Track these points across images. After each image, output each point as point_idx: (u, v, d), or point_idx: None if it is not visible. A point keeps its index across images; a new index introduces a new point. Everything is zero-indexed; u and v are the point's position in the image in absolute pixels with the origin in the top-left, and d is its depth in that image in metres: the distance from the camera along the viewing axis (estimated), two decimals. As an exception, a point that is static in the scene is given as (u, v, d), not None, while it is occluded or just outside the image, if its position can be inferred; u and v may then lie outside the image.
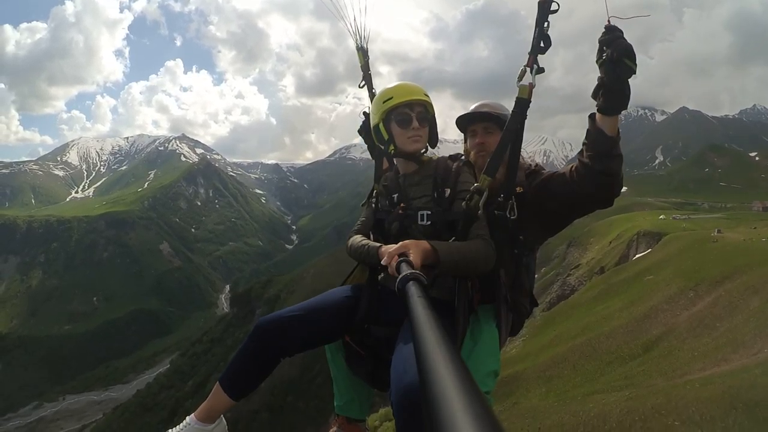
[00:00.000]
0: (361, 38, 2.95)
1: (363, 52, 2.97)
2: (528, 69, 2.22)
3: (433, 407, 0.58)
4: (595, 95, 2.09)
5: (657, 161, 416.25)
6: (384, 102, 2.38)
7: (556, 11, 2.15)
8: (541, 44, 2.19)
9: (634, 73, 1.98)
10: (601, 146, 2.14)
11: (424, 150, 2.42)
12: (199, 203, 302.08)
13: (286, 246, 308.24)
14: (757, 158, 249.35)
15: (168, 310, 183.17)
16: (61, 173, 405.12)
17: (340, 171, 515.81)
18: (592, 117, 2.15)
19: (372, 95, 2.91)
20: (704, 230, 44.45)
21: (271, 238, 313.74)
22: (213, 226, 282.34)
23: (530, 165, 2.62)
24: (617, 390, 10.55)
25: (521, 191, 2.42)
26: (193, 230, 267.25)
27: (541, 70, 2.21)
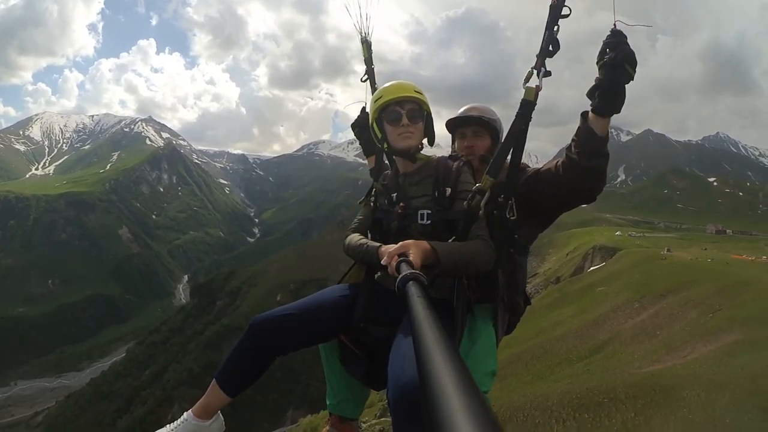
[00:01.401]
0: (365, 31, 2.96)
1: (367, 45, 2.98)
2: (535, 71, 2.23)
3: (432, 407, 0.58)
4: (590, 95, 2.10)
5: (619, 179, 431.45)
6: (376, 101, 2.42)
7: (567, 16, 2.16)
8: (550, 48, 2.20)
9: (632, 80, 2.01)
10: (591, 144, 2.16)
11: (419, 147, 2.44)
12: (161, 189, 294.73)
13: (248, 239, 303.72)
14: (715, 183, 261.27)
15: (125, 297, 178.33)
16: (22, 148, 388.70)
17: (307, 166, 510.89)
18: (584, 115, 2.16)
19: (374, 89, 2.88)
20: (656, 248, 47.12)
21: (233, 230, 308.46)
22: (175, 213, 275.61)
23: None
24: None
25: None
26: (154, 216, 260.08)
27: (548, 74, 2.22)
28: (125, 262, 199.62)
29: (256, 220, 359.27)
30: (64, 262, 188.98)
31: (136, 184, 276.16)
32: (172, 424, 2.19)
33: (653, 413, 6.07)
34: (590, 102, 2.11)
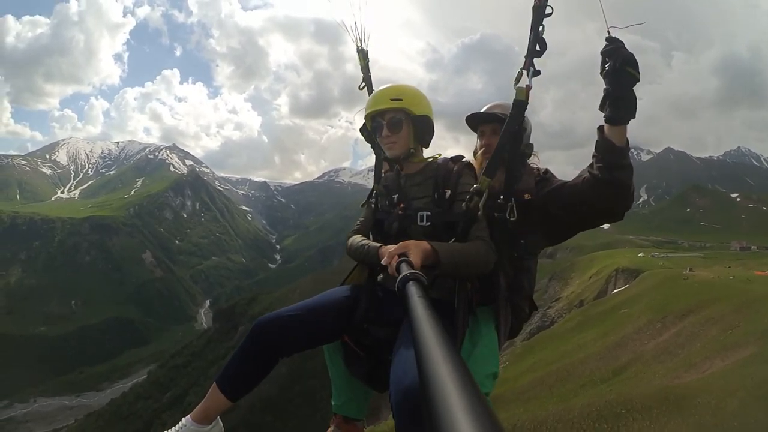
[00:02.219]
0: (360, 40, 2.96)
1: (363, 54, 2.98)
2: (525, 72, 2.26)
3: (433, 407, 0.58)
4: (601, 107, 2.10)
5: (641, 200, 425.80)
6: (366, 112, 2.46)
7: (550, 15, 2.20)
8: (537, 48, 2.23)
9: (638, 81, 2.01)
10: (610, 156, 2.14)
11: (412, 151, 2.44)
12: (185, 215, 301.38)
13: (269, 265, 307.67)
14: (738, 199, 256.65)
15: (146, 320, 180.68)
16: (48, 171, 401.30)
17: (328, 193, 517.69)
18: (600, 129, 2.16)
19: None
20: (679, 268, 46.71)
21: (255, 256, 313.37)
22: (197, 239, 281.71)
23: (540, 172, 2.64)
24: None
25: (529, 198, 2.43)
26: (177, 242, 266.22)
27: (537, 73, 2.25)
28: (147, 286, 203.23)
29: (278, 247, 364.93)
30: (87, 284, 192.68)
31: (159, 210, 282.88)
32: (170, 429, 2.14)
33: (667, 421, 6.46)
34: (603, 115, 2.10)
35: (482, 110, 2.74)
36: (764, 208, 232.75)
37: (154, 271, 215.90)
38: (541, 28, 2.20)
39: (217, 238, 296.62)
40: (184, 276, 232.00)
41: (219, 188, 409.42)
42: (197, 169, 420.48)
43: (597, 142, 2.18)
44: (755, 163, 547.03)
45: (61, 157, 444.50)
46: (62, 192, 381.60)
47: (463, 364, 0.69)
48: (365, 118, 2.45)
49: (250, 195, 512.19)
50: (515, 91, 2.29)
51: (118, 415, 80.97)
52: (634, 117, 2.07)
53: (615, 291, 45.83)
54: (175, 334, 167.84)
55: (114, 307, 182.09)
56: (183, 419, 2.16)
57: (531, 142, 2.66)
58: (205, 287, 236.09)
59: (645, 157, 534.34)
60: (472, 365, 2.09)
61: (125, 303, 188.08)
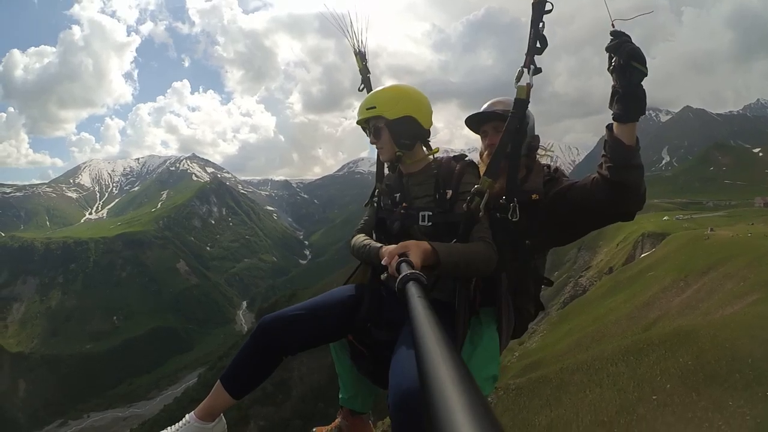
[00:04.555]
0: (358, 42, 2.97)
1: (361, 56, 2.98)
2: (525, 70, 2.23)
3: (433, 407, 0.58)
4: (610, 104, 2.05)
5: (664, 161, 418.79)
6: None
7: (550, 11, 2.16)
8: (538, 44, 2.20)
9: (646, 76, 1.95)
10: (619, 157, 2.07)
11: (397, 155, 2.39)
12: (212, 221, 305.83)
13: (300, 261, 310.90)
14: (760, 154, 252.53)
15: (187, 327, 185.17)
16: (74, 195, 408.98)
17: (349, 185, 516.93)
18: (609, 127, 2.10)
19: None
20: (702, 229, 47.94)
21: (285, 254, 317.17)
22: (228, 243, 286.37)
23: (549, 171, 2.60)
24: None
25: (537, 198, 2.37)
26: (208, 248, 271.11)
27: (538, 71, 2.21)
28: (184, 294, 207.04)
29: (306, 243, 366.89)
30: (126, 299, 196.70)
31: (187, 219, 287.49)
32: (173, 426, 2.21)
33: (676, 350, 8.67)
34: (611, 113, 2.07)
35: (482, 108, 2.70)
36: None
37: (190, 279, 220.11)
38: (541, 24, 2.18)
39: (247, 241, 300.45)
40: (219, 280, 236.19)
41: (242, 191, 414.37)
42: (219, 176, 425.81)
43: (606, 141, 2.14)
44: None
45: (85, 179, 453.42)
46: (90, 213, 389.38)
47: (464, 365, 0.69)
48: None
49: (273, 195, 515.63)
50: (516, 89, 2.28)
51: (173, 419, 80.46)
52: (643, 114, 2.02)
53: (642, 255, 47.34)
54: (217, 337, 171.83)
55: (154, 317, 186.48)
56: (186, 416, 2.21)
57: (536, 133, 2.64)
58: (241, 289, 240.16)
59: (664, 118, 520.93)
60: (471, 367, 2.09)
61: (165, 313, 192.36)
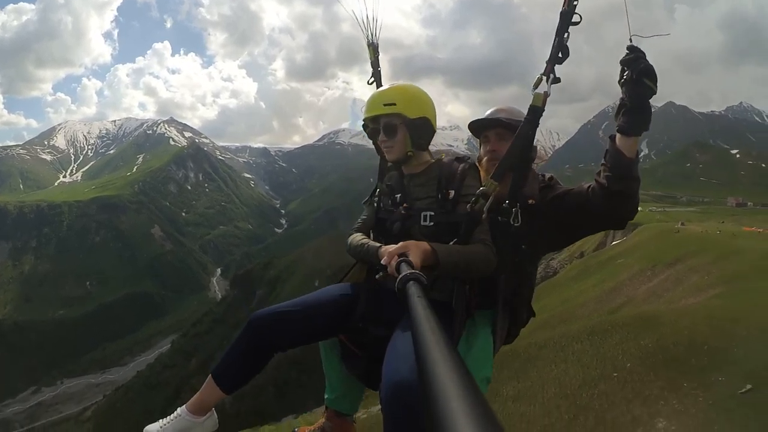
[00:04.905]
0: (372, 33, 2.90)
1: (374, 48, 2.91)
2: (544, 78, 2.22)
3: (433, 406, 0.58)
4: (616, 115, 2.09)
5: (642, 153, 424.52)
6: (363, 117, 2.42)
7: (577, 23, 2.15)
8: (560, 54, 2.19)
9: (654, 94, 2.00)
10: (619, 167, 2.12)
11: (409, 154, 2.35)
12: (189, 187, 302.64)
13: (276, 230, 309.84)
14: (738, 156, 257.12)
15: (162, 293, 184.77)
16: (48, 157, 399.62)
17: (329, 155, 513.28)
18: (612, 138, 2.14)
19: None
20: (674, 222, 49.46)
21: (261, 222, 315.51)
22: (203, 209, 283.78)
23: (544, 179, 2.60)
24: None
25: (533, 203, 2.38)
26: (183, 214, 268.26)
27: (557, 80, 2.20)
28: (159, 260, 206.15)
29: (283, 212, 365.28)
30: (100, 264, 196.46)
31: (163, 184, 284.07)
32: (164, 419, 2.20)
33: (639, 332, 9.16)
34: (616, 124, 2.10)
35: (485, 114, 2.73)
36: (763, 165, 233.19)
37: (164, 245, 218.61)
38: (566, 35, 2.17)
39: (223, 207, 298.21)
40: (194, 247, 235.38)
41: (220, 157, 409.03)
42: (197, 141, 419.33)
43: (607, 151, 2.18)
44: (757, 119, 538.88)
45: (60, 141, 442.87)
46: (64, 176, 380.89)
47: (463, 364, 0.69)
48: (364, 121, 2.43)
49: (251, 162, 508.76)
50: (532, 96, 2.27)
51: (147, 385, 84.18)
52: (647, 129, 2.07)
53: (613, 243, 48.73)
54: (191, 303, 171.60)
55: (129, 283, 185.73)
56: (178, 409, 2.21)
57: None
58: (215, 256, 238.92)
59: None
60: None
61: (139, 278, 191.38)
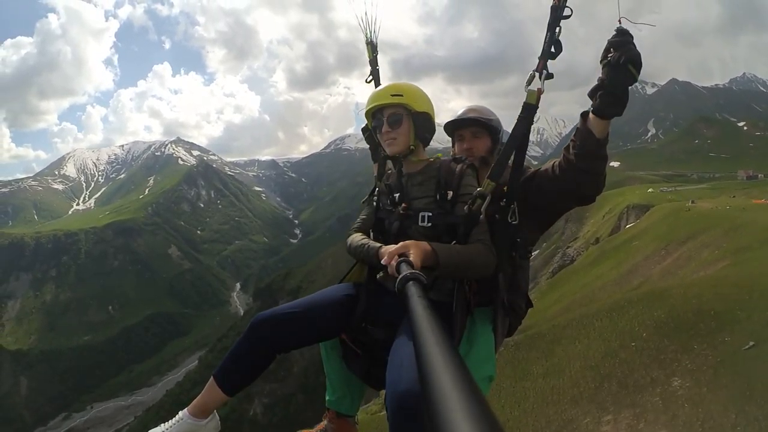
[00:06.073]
0: (371, 31, 2.91)
1: (372, 46, 2.92)
2: (537, 74, 2.18)
3: (433, 407, 0.58)
4: (592, 95, 2.06)
5: (650, 134, 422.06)
6: (366, 109, 2.42)
7: (568, 17, 2.11)
8: (552, 49, 2.16)
9: (635, 81, 1.97)
10: (588, 146, 2.13)
11: (412, 149, 2.37)
12: (201, 205, 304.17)
13: (291, 240, 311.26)
14: (745, 128, 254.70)
15: (183, 311, 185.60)
16: (60, 187, 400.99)
17: (337, 162, 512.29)
18: (584, 115, 2.14)
19: None
20: (685, 201, 49.67)
21: (276, 234, 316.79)
22: (218, 226, 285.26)
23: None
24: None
25: (506, 189, 2.33)
26: (198, 232, 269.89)
27: (550, 76, 2.17)
28: (178, 279, 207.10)
29: (296, 222, 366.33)
30: (120, 288, 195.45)
31: (176, 204, 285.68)
32: (166, 423, 2.20)
33: (652, 306, 10.10)
34: (591, 102, 2.08)
35: (458, 115, 2.76)
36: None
37: (182, 264, 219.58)
38: (558, 29, 2.14)
39: (237, 222, 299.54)
40: (212, 263, 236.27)
41: (230, 173, 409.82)
42: (205, 158, 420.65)
43: (578, 128, 2.19)
44: (761, 88, 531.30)
45: (70, 170, 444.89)
46: (78, 204, 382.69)
47: (464, 364, 0.69)
48: (366, 116, 2.46)
49: (261, 175, 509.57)
50: (526, 93, 2.22)
51: (178, 402, 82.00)
52: (620, 115, 2.05)
53: (627, 226, 49.09)
54: (213, 320, 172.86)
55: (150, 304, 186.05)
56: (180, 413, 2.21)
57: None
58: (233, 271, 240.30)
59: (650, 90, 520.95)
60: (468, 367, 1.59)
61: (160, 299, 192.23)
